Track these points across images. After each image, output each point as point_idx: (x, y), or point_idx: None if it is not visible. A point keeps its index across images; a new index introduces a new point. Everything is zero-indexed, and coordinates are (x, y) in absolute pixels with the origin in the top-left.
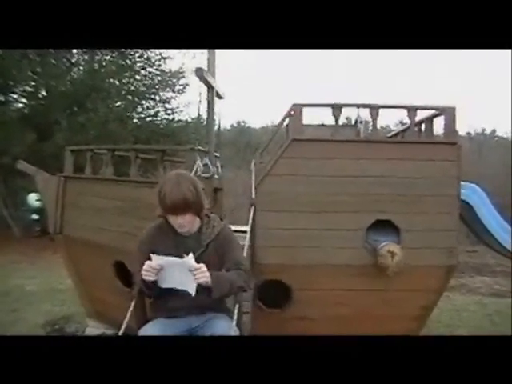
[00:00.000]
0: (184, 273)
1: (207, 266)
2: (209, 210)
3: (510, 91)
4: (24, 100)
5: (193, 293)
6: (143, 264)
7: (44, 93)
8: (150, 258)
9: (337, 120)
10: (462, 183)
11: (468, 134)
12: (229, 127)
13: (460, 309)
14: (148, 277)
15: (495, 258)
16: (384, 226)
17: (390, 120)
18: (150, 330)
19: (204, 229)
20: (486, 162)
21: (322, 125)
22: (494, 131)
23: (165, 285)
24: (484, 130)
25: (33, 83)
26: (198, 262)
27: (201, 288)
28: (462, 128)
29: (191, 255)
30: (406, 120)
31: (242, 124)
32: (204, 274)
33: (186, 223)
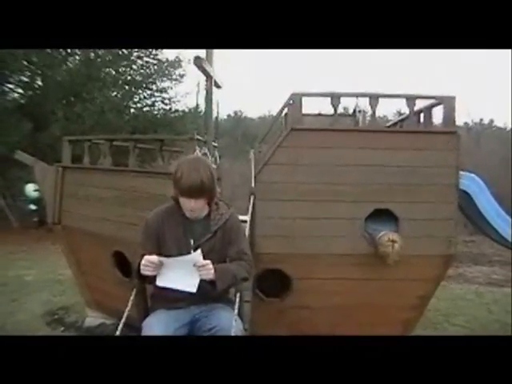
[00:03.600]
0: (188, 269)
1: (212, 252)
2: (217, 197)
3: (509, 83)
4: (20, 90)
5: (194, 290)
6: (148, 251)
7: (40, 83)
8: (155, 243)
9: (335, 109)
10: (460, 173)
11: (465, 123)
12: (226, 117)
13: (457, 298)
14: (146, 271)
15: (492, 247)
16: (383, 215)
17: (388, 110)
18: (153, 321)
19: (212, 215)
20: (484, 152)
21: (321, 114)
22: (491, 121)
23: (162, 284)
24: (482, 120)
25: (28, 73)
26: (204, 247)
27: (204, 280)
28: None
29: (199, 251)
30: (404, 110)
31: (239, 114)
32: (209, 271)
33: (197, 207)
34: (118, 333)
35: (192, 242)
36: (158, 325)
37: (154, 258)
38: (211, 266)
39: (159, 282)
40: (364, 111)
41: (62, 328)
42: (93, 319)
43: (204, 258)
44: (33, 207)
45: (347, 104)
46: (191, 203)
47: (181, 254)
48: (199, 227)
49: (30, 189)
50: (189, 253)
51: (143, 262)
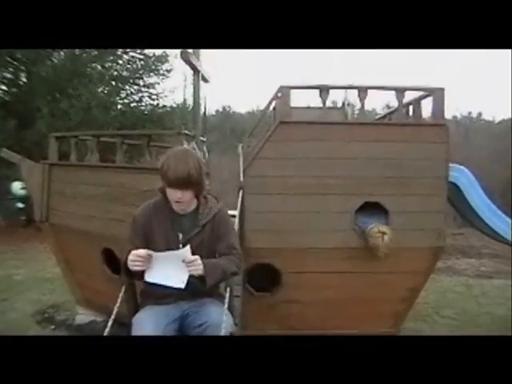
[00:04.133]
0: (177, 264)
1: (201, 247)
2: (206, 191)
3: (510, 76)
4: (3, 87)
5: (182, 286)
6: (136, 246)
7: (24, 79)
8: (144, 238)
9: (324, 102)
10: (450, 165)
11: (454, 117)
12: (214, 112)
13: (447, 290)
14: (135, 267)
15: (481, 240)
16: (372, 208)
17: (377, 103)
18: (143, 318)
19: (201, 209)
20: (472, 146)
21: (309, 107)
22: (479, 114)
23: (151, 280)
24: (470, 113)
25: (12, 69)
26: (192, 242)
27: (193, 276)
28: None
29: (188, 247)
30: (393, 103)
31: (228, 109)
32: (198, 267)
33: (184, 200)
34: (107, 330)
35: (180, 236)
36: (147, 321)
37: (143, 251)
38: (200, 261)
39: (148, 278)
40: (353, 104)
41: (53, 326)
42: (83, 317)
43: (193, 253)
44: (20, 205)
45: (335, 98)
46: (178, 194)
47: (169, 249)
48: (188, 221)
49: (17, 187)
50: (177, 247)
51: (131, 257)
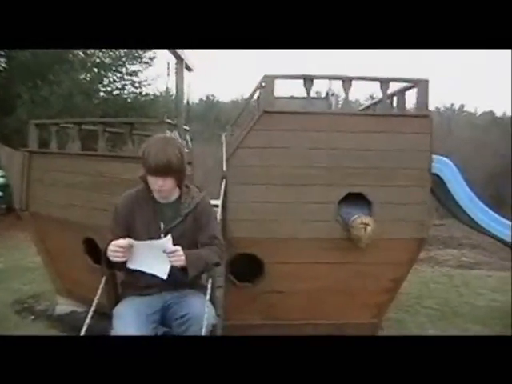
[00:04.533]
0: (158, 254)
1: (183, 237)
2: (188, 181)
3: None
4: None
5: (164, 276)
6: (117, 236)
7: (3, 65)
8: (125, 228)
9: (308, 92)
10: (433, 156)
11: (437, 108)
12: (197, 101)
13: (429, 281)
14: (116, 258)
15: (462, 231)
16: (356, 199)
17: (361, 94)
18: (124, 309)
19: (183, 199)
20: (454, 137)
21: (293, 97)
22: (462, 106)
23: (133, 266)
24: (452, 105)
25: None
26: (174, 231)
27: (175, 267)
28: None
29: (169, 237)
30: (377, 94)
31: (211, 98)
32: (179, 258)
33: (165, 187)
34: (87, 321)
35: (162, 225)
36: (129, 312)
37: (123, 241)
38: (181, 252)
39: (129, 265)
40: (337, 95)
41: (32, 317)
42: (64, 307)
43: (174, 243)
44: None
45: (319, 88)
46: (159, 182)
47: (151, 239)
48: (169, 211)
49: None
50: (159, 237)
51: (111, 247)
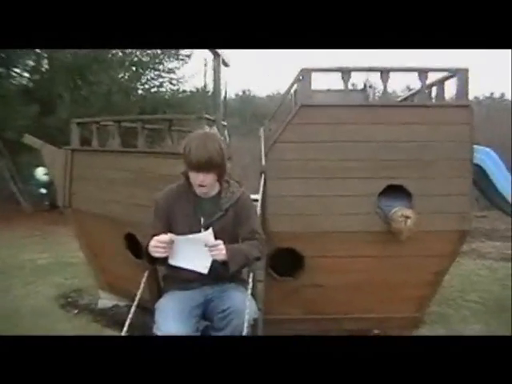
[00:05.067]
0: (199, 249)
1: (223, 232)
2: (228, 176)
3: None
4: (26, 74)
5: (205, 271)
6: (158, 231)
7: (46, 66)
8: (166, 223)
9: (346, 84)
10: (475, 147)
11: (476, 97)
12: (234, 96)
13: (471, 274)
14: (157, 253)
15: (506, 223)
16: (396, 191)
17: (398, 85)
18: (167, 303)
19: (223, 193)
20: (494, 127)
21: (330, 90)
22: (502, 95)
23: (175, 263)
24: (492, 93)
25: (34, 57)
26: (215, 226)
27: (216, 261)
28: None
29: (210, 230)
30: (414, 85)
31: (248, 93)
32: (221, 252)
33: (206, 183)
34: (130, 316)
35: (202, 220)
36: (172, 306)
37: (164, 236)
38: (223, 246)
39: (171, 261)
40: (374, 86)
41: (76, 311)
42: (106, 301)
43: (215, 238)
44: (43, 191)
45: (355, 81)
46: (200, 177)
47: (192, 233)
48: (210, 205)
49: (40, 173)
50: (199, 231)
51: (153, 242)
